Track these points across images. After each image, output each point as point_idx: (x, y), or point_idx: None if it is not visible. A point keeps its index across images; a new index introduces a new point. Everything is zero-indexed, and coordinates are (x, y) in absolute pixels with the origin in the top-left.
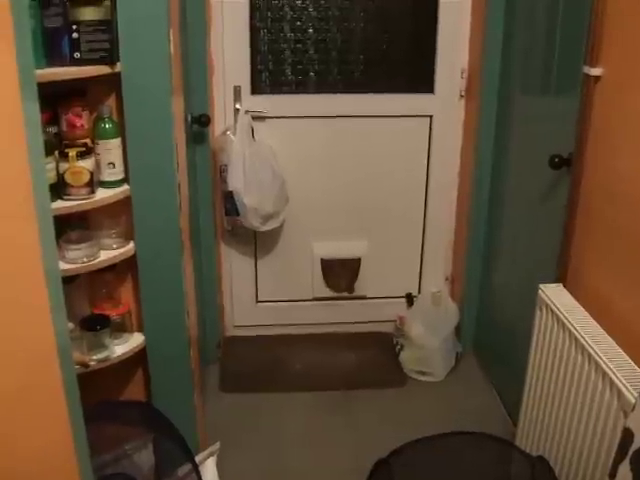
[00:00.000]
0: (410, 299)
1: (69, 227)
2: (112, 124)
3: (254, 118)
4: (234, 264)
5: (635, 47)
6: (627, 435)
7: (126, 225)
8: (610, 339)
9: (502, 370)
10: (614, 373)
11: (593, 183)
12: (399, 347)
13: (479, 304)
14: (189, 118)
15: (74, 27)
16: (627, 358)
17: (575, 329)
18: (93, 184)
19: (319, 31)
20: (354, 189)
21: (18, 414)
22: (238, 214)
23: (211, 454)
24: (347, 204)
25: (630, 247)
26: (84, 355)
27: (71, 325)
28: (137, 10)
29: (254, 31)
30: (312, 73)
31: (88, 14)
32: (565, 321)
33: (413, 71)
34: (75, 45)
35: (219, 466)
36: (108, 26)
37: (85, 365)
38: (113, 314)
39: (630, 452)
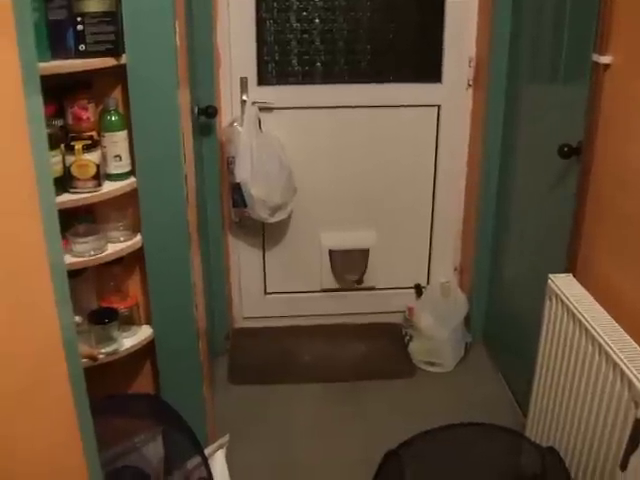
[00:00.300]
0: (419, 290)
1: (76, 220)
2: (118, 116)
3: (261, 109)
4: (242, 256)
5: None
6: (638, 426)
7: (133, 218)
8: (621, 329)
9: (512, 360)
10: (625, 364)
11: (603, 172)
12: (408, 338)
13: (488, 294)
14: (196, 110)
15: (79, 19)
16: (638, 349)
17: (585, 319)
18: (100, 177)
19: (325, 21)
20: (362, 179)
21: (24, 410)
22: (246, 206)
23: (220, 446)
24: (355, 195)
25: None
26: (92, 348)
27: (79, 319)
28: (142, 1)
29: (260, 22)
30: (319, 63)
31: (93, 6)
32: (575, 311)
33: (420, 60)
34: (80, 37)
35: (228, 458)
36: (113, 18)
37: (93, 358)
38: (121, 307)
39: None
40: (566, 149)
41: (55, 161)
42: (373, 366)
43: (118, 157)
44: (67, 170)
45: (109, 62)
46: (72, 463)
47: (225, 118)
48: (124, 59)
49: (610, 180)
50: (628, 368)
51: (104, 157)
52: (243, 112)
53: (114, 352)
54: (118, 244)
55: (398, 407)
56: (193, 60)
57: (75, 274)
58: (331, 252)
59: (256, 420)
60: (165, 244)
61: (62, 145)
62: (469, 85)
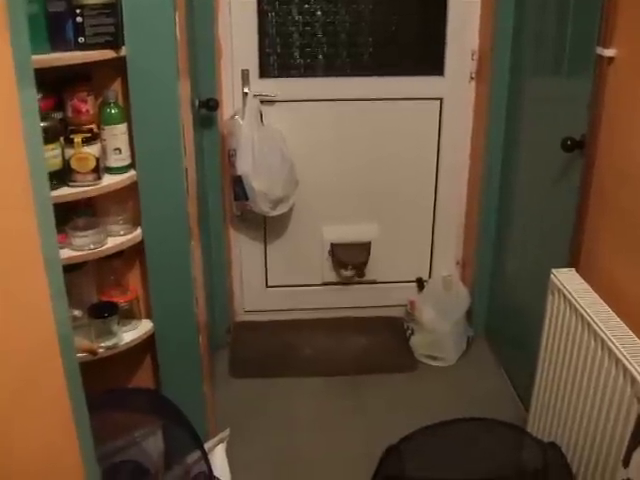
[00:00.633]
0: (421, 283)
1: (76, 214)
2: (118, 109)
3: (262, 102)
4: (244, 249)
5: None
6: None
7: (133, 211)
8: (623, 325)
9: (514, 354)
10: (627, 359)
11: (606, 166)
12: (410, 332)
13: (490, 288)
14: (197, 102)
15: (78, 11)
16: None
17: (588, 314)
18: (99, 170)
19: (327, 14)
20: (364, 172)
21: (19, 408)
22: (247, 199)
23: (221, 441)
24: (357, 188)
25: None
26: (92, 342)
27: (79, 312)
28: None
29: (262, 14)
30: (321, 56)
31: None
32: (577, 306)
33: (423, 53)
34: (79, 29)
35: (229, 452)
36: (113, 10)
37: (93, 353)
38: (121, 301)
39: None
40: (569, 142)
41: (54, 154)
42: (374, 360)
43: (118, 150)
44: (66, 163)
45: (109, 54)
46: (68, 460)
47: (226, 111)
48: (124, 51)
49: (614, 174)
50: (631, 364)
51: (104, 150)
52: (244, 105)
53: (114, 346)
54: (118, 238)
55: (399, 401)
56: (194, 52)
57: (75, 268)
58: (333, 246)
59: (257, 414)
60: (165, 238)
61: (61, 138)
62: (472, 78)
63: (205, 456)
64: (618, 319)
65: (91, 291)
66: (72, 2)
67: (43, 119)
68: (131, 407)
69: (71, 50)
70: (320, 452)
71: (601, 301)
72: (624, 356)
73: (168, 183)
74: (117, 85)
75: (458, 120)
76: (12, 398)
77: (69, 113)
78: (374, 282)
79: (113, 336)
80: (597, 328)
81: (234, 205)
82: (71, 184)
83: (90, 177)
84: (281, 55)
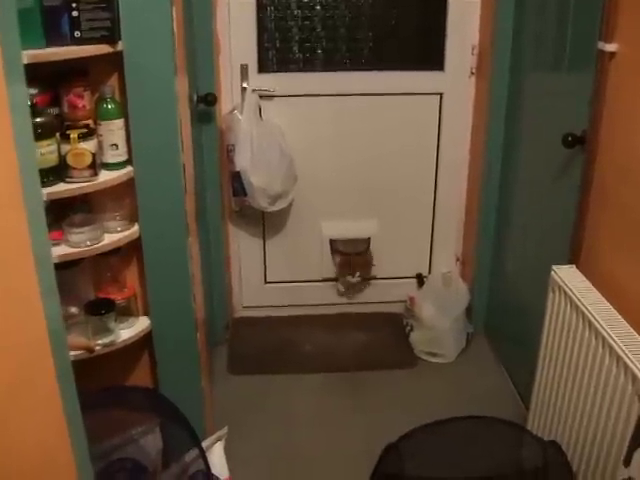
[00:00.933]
0: (420, 279)
1: (72, 210)
2: (114, 104)
3: (261, 97)
4: (242, 245)
5: None
6: None
7: (130, 207)
8: (624, 322)
9: (513, 351)
10: (628, 357)
11: (608, 162)
12: (409, 328)
13: (490, 284)
14: (195, 97)
15: (74, 5)
16: None
17: (589, 311)
18: (96, 166)
19: (327, 8)
20: (363, 168)
21: (11, 406)
22: (246, 194)
23: (219, 439)
24: (356, 183)
25: None
26: (89, 340)
27: (75, 310)
28: None
29: (261, 8)
30: (320, 51)
31: None
32: (578, 303)
33: (423, 48)
34: (75, 24)
35: (227, 449)
36: (109, 4)
37: (90, 350)
38: (118, 298)
39: None
40: (570, 138)
41: (50, 150)
42: (374, 356)
43: (114, 146)
44: (62, 159)
45: (105, 49)
46: (61, 459)
47: (225, 106)
48: (120, 46)
49: (615, 170)
50: (632, 361)
51: (100, 146)
52: (243, 100)
53: (111, 343)
54: (115, 234)
55: (399, 398)
56: (192, 47)
57: (71, 265)
58: (332, 243)
59: (256, 410)
60: (163, 234)
61: (57, 134)
62: (472, 73)
63: (203, 454)
64: (619, 316)
65: (88, 288)
66: None
67: (39, 115)
68: (129, 405)
69: (67, 45)
70: (319, 449)
71: (602, 298)
72: (625, 354)
73: (165, 179)
74: (114, 80)
75: (458, 115)
76: (4, 396)
77: (65, 108)
78: (374, 278)
79: (110, 333)
80: (598, 325)
81: (233, 201)
82: (67, 180)
83: (86, 173)
84: (280, 50)
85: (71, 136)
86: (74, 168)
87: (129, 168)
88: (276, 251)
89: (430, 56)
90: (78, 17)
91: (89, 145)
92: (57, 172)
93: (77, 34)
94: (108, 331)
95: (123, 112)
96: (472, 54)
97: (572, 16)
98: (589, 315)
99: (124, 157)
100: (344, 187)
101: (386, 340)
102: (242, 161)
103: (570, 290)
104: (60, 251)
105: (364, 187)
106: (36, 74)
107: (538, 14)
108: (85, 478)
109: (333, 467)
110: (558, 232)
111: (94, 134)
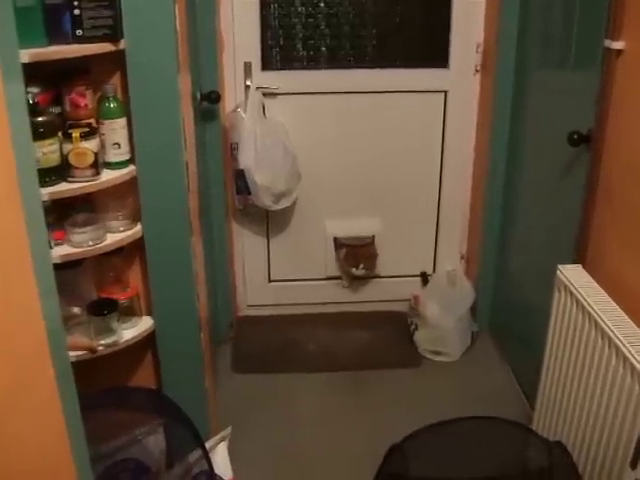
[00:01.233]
0: (425, 278)
1: (74, 210)
2: (117, 103)
3: (265, 95)
4: (246, 243)
5: None
6: None
7: (133, 207)
8: (631, 322)
9: (519, 350)
10: (635, 358)
11: (614, 160)
12: (414, 327)
13: (495, 283)
14: (198, 95)
15: (75, 3)
16: None
17: (595, 311)
18: (98, 165)
19: (330, 5)
20: (367, 166)
21: (10, 408)
22: (249, 193)
23: (222, 439)
24: (360, 181)
25: None
26: (92, 340)
27: (78, 310)
28: None
29: (264, 6)
30: (324, 48)
31: None
32: (584, 303)
33: (427, 45)
34: (77, 22)
35: (231, 448)
36: (111, 2)
37: (93, 350)
38: (121, 298)
39: None
40: (576, 137)
41: (52, 149)
42: (378, 355)
43: (117, 145)
44: (65, 158)
45: (107, 47)
46: (60, 462)
47: (228, 104)
48: (122, 44)
49: (621, 168)
50: (638, 362)
51: (103, 145)
52: (247, 97)
53: (114, 344)
54: (117, 234)
55: (403, 397)
56: (195, 45)
57: (73, 265)
58: (338, 243)
59: (259, 409)
60: (166, 233)
61: (59, 133)
62: (477, 71)
63: (206, 454)
64: (625, 316)
65: (90, 288)
66: None
67: (41, 114)
68: (132, 405)
69: (69, 43)
70: (323, 448)
71: (608, 298)
72: (631, 354)
73: (168, 178)
74: (116, 79)
75: (463, 113)
76: (3, 398)
77: (67, 107)
78: (378, 276)
79: (113, 333)
80: (604, 325)
81: (236, 199)
82: (69, 180)
83: (89, 172)
84: (284, 47)
85: (73, 135)
86: (76, 167)
87: (132, 167)
88: (280, 250)
89: (435, 53)
90: (80, 15)
91: (91, 144)
92: (59, 172)
93: (79, 32)
94: (111, 331)
95: (125, 111)
96: (477, 52)
97: (578, 13)
98: (595, 315)
99: (126, 156)
100: (348, 185)
101: (390, 339)
102: (246, 159)
103: (576, 290)
104: (62, 251)
105: (368, 185)
106: (38, 73)
107: (543, 11)
108: None
109: (337, 467)
110: (563, 231)
111: (96, 133)
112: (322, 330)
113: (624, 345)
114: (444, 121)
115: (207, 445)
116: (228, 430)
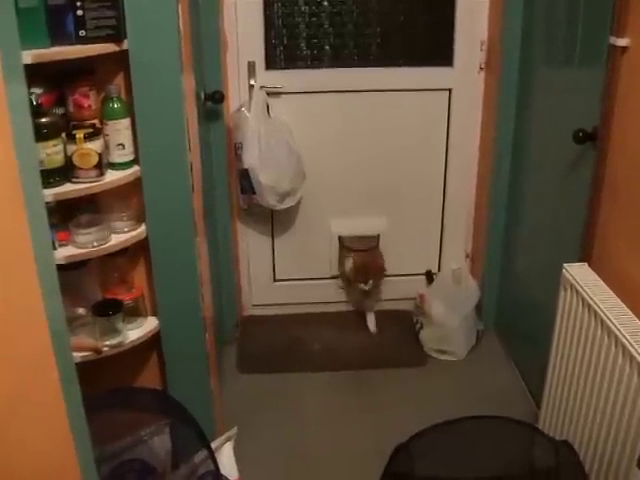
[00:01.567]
0: (430, 276)
1: (78, 211)
2: (121, 104)
3: (269, 94)
4: (251, 243)
5: None
6: None
7: (137, 207)
8: (637, 321)
9: (524, 348)
10: None
11: (619, 158)
12: (419, 325)
13: (500, 281)
14: (202, 95)
15: (78, 4)
16: None
17: (601, 310)
18: (102, 166)
19: (334, 4)
20: (372, 165)
21: (14, 413)
22: (254, 192)
23: (228, 439)
24: (365, 180)
25: None
26: (97, 341)
27: (83, 311)
28: None
29: (268, 5)
30: (327, 47)
31: None
32: (591, 302)
33: (431, 43)
34: (80, 22)
35: (237, 448)
36: (114, 2)
37: (98, 351)
38: (126, 298)
39: None
40: (581, 134)
41: (56, 150)
42: (383, 354)
43: (121, 145)
44: (69, 159)
45: (110, 48)
46: (64, 463)
47: (232, 103)
48: (126, 45)
49: (627, 166)
50: None
51: (107, 146)
52: (251, 97)
53: (119, 344)
54: (122, 234)
55: (409, 396)
56: (199, 45)
57: (78, 266)
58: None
59: (265, 409)
60: (170, 233)
61: (63, 134)
62: (481, 69)
63: (212, 455)
64: (632, 315)
65: (95, 289)
66: None
67: (44, 115)
68: (137, 406)
69: (72, 44)
70: (328, 448)
71: (614, 296)
72: (638, 352)
73: (173, 178)
74: (120, 79)
75: (467, 111)
76: (6, 401)
77: (71, 108)
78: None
79: (118, 334)
80: (610, 324)
81: (241, 199)
82: (74, 180)
83: (93, 173)
84: (287, 46)
85: (77, 136)
86: (80, 168)
87: (136, 168)
88: (285, 249)
89: (439, 52)
90: (83, 16)
91: (95, 145)
92: (63, 172)
93: (82, 33)
94: (116, 332)
95: (129, 111)
96: (481, 50)
97: (583, 10)
98: (601, 313)
99: (131, 157)
100: (352, 184)
101: (395, 338)
102: (250, 159)
103: (582, 288)
104: (67, 252)
105: (373, 184)
106: (41, 74)
107: (548, 8)
108: None
109: (343, 467)
110: (569, 229)
111: (100, 134)
112: (327, 329)
113: (630, 344)
114: (448, 119)
115: (213, 445)
116: (234, 430)
